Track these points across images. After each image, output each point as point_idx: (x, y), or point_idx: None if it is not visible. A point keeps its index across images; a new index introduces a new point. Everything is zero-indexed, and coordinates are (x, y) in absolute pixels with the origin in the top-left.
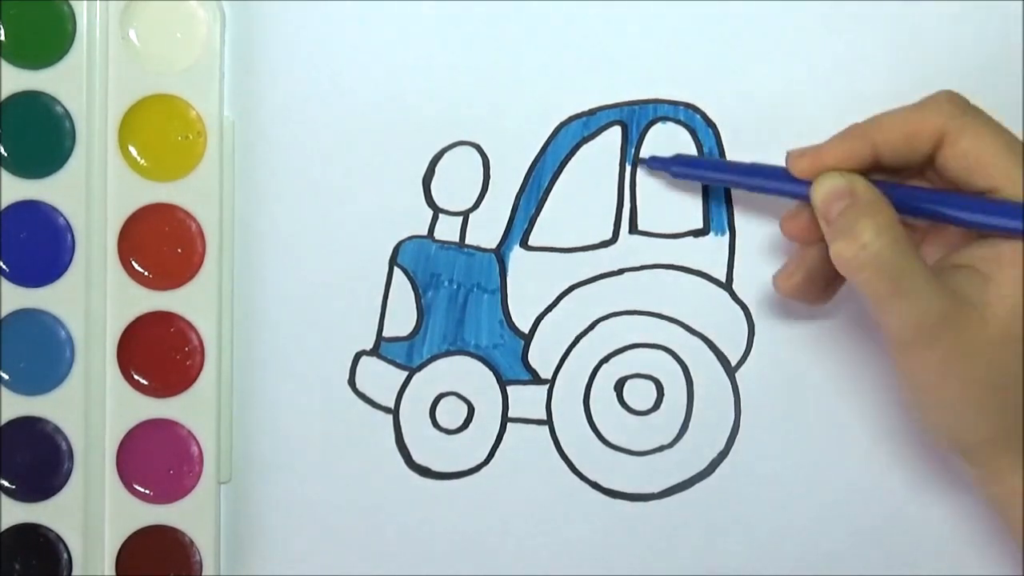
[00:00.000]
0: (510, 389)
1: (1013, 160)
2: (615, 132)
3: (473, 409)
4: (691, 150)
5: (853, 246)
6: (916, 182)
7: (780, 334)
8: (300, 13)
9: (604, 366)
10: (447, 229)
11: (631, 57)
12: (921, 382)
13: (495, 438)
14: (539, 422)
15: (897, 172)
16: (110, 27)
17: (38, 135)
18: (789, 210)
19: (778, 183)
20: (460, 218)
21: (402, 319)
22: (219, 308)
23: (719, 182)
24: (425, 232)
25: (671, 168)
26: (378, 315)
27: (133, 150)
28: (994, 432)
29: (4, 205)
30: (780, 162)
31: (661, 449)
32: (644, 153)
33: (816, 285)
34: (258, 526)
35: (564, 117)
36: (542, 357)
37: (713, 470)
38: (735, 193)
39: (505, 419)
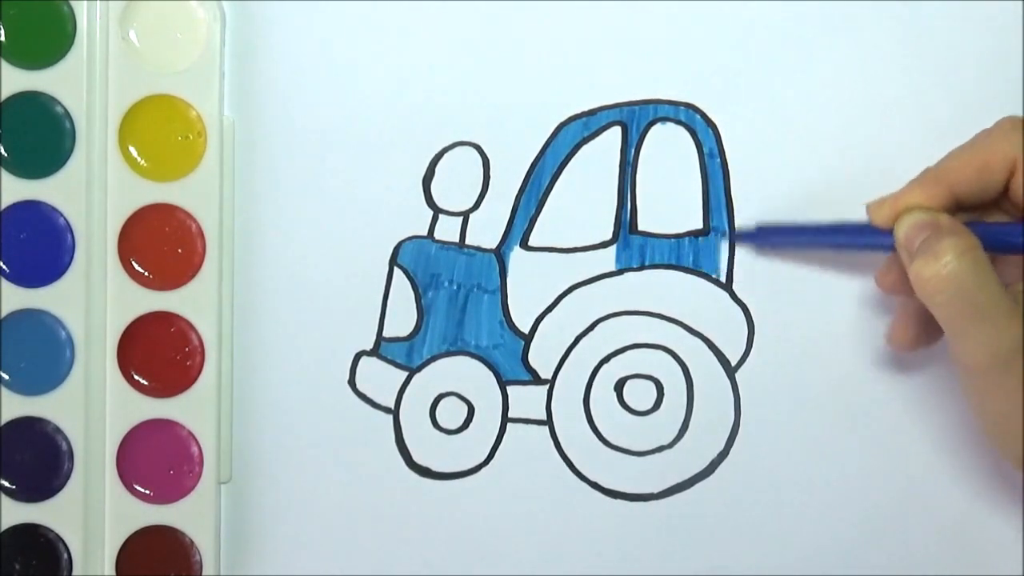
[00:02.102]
0: (510, 389)
1: None
2: (615, 132)
3: (473, 409)
4: (691, 150)
5: (934, 265)
6: (995, 216)
7: (780, 334)
8: (300, 13)
9: (604, 366)
10: (447, 229)
11: (631, 57)
12: (995, 408)
13: (495, 438)
14: (539, 422)
15: (975, 210)
16: (110, 27)
17: (38, 135)
18: (881, 266)
19: (864, 237)
20: (460, 218)
21: (402, 319)
22: (219, 308)
23: (807, 245)
24: (425, 232)
25: (758, 241)
26: (378, 315)
27: (133, 150)
28: None
29: (4, 205)
30: (780, 161)
31: (661, 449)
32: (644, 155)
33: (929, 331)
34: (258, 526)
35: (564, 117)
36: (542, 357)
37: (713, 470)
38: (735, 192)
39: (505, 419)
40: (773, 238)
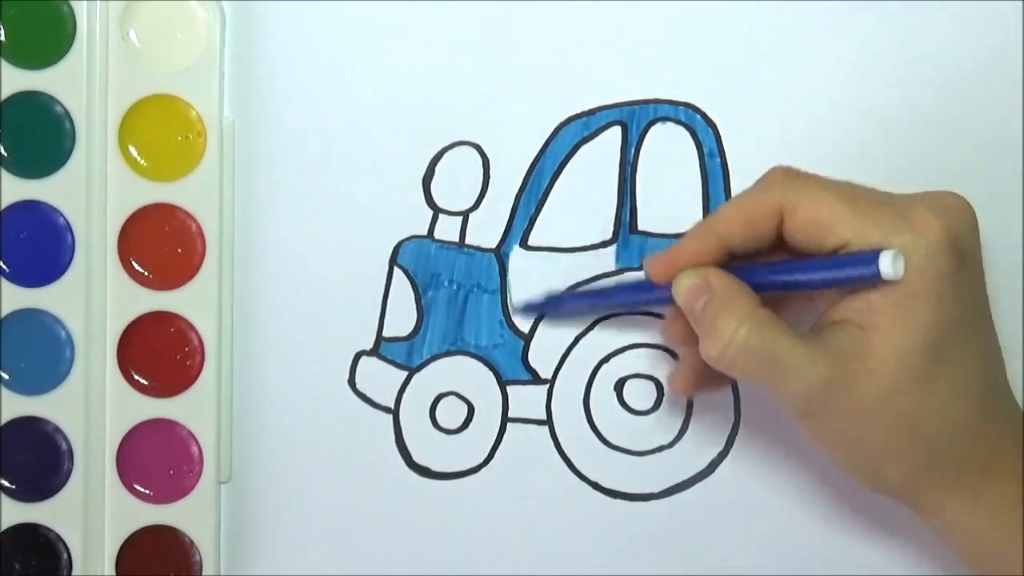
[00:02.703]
0: (510, 389)
1: (851, 211)
2: (615, 132)
3: (473, 409)
4: (691, 150)
5: (718, 344)
6: (779, 256)
7: None
8: (300, 13)
9: (604, 366)
10: (447, 229)
11: (631, 57)
12: (830, 444)
13: (495, 438)
14: (539, 422)
15: (752, 257)
16: (110, 27)
17: (38, 135)
18: (664, 319)
19: (644, 294)
20: (460, 218)
21: (402, 319)
22: (219, 308)
23: (592, 310)
24: (425, 232)
25: (545, 309)
26: (378, 315)
27: (133, 150)
28: (913, 473)
29: (4, 205)
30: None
31: (661, 449)
32: (644, 155)
33: (712, 378)
34: (258, 526)
35: (564, 117)
36: (542, 357)
37: (713, 470)
38: (735, 192)
39: (505, 419)
40: (560, 306)
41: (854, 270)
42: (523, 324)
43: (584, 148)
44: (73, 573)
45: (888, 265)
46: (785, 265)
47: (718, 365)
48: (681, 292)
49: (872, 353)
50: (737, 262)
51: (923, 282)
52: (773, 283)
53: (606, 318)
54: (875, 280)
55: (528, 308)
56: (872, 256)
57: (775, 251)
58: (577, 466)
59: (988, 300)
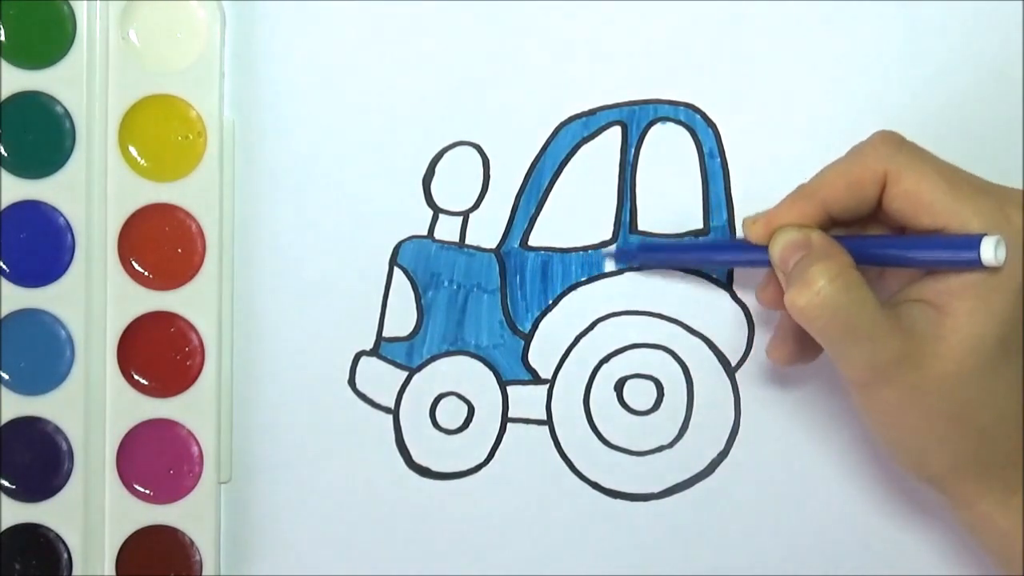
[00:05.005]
0: (510, 389)
1: (954, 195)
2: (615, 132)
3: (473, 409)
4: (691, 150)
5: (806, 293)
6: (873, 228)
7: None
8: (300, 13)
9: (604, 366)
10: (447, 229)
11: (631, 57)
12: (882, 419)
13: (495, 438)
14: (539, 422)
15: (851, 224)
16: (110, 27)
17: (38, 135)
18: (760, 281)
19: (741, 254)
20: (460, 218)
21: (402, 319)
22: (219, 308)
23: (686, 263)
24: (425, 232)
25: (638, 259)
26: (378, 315)
27: (133, 150)
28: (957, 461)
29: (4, 205)
30: (780, 161)
31: (661, 449)
32: (644, 155)
33: (808, 347)
34: (258, 526)
35: (564, 117)
36: (542, 357)
37: (713, 470)
38: (735, 192)
39: (505, 419)
40: (654, 255)
41: (957, 253)
42: (523, 324)
43: (584, 148)
44: (73, 573)
45: (990, 252)
46: (885, 240)
47: (799, 315)
48: (779, 246)
49: (944, 337)
50: (835, 230)
51: (1007, 276)
52: (872, 256)
53: (607, 317)
54: (975, 265)
55: (621, 255)
56: (975, 241)
57: (868, 223)
58: (577, 466)
59: None
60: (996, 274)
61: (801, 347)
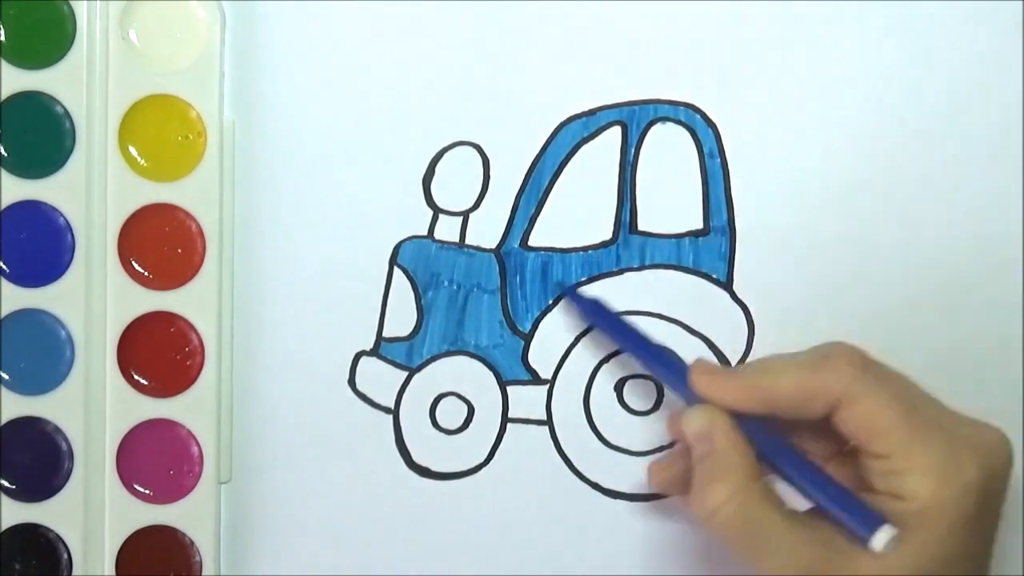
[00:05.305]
0: (510, 389)
1: (909, 430)
2: (615, 132)
3: (473, 409)
4: (691, 150)
5: (705, 509)
6: (806, 436)
7: (780, 334)
8: (300, 13)
9: (604, 366)
10: (447, 229)
11: (631, 57)
12: None
13: (495, 438)
14: (539, 422)
15: (792, 422)
16: (110, 27)
17: (38, 135)
18: (676, 411)
19: (672, 376)
20: (460, 218)
21: (402, 319)
22: (219, 308)
23: (622, 344)
24: (425, 232)
25: (587, 312)
26: (378, 315)
27: (133, 150)
28: None
29: (4, 205)
30: (780, 161)
31: (661, 449)
32: (644, 155)
33: (687, 480)
34: (258, 526)
35: (564, 117)
36: (542, 357)
37: None
38: (735, 192)
39: (505, 419)
40: (599, 318)
41: (855, 524)
42: (523, 324)
43: (584, 148)
44: (73, 573)
45: (881, 542)
46: (799, 464)
47: (704, 522)
48: (687, 428)
49: (858, 559)
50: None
51: (941, 520)
52: (779, 472)
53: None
54: (864, 542)
55: (573, 296)
56: (875, 523)
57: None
58: (577, 466)
59: (995, 537)
60: (929, 513)
61: (683, 482)
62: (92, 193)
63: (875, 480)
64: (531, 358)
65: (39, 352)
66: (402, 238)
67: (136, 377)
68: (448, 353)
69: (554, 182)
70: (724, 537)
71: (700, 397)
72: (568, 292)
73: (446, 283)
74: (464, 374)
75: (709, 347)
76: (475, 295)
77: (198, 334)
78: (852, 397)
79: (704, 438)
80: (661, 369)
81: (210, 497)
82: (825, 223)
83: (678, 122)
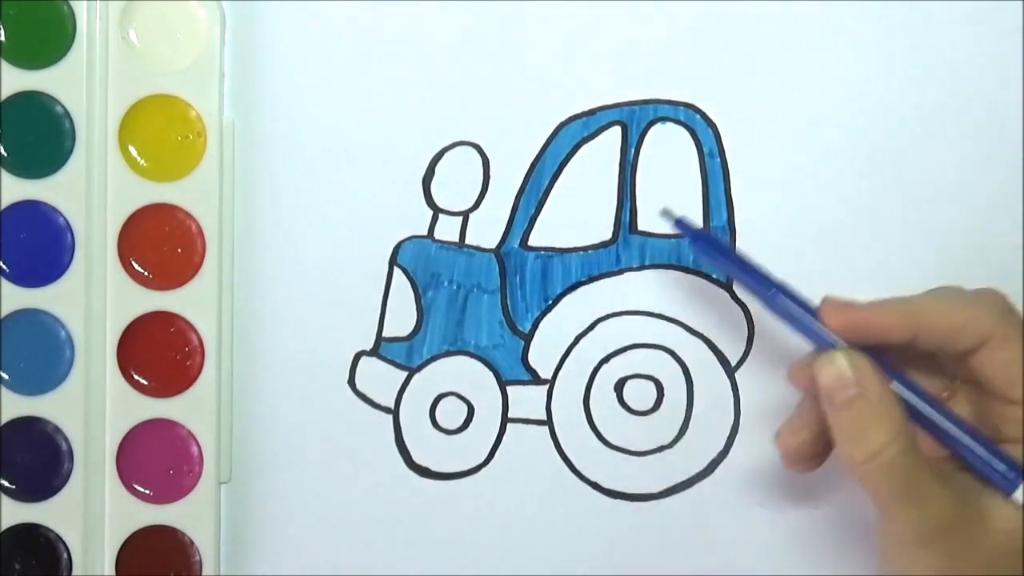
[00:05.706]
0: (510, 389)
1: None
2: (615, 132)
3: (473, 409)
4: (691, 150)
5: (864, 452)
6: (937, 379)
7: (780, 334)
8: (300, 13)
9: (604, 366)
10: (447, 229)
11: (631, 57)
12: (904, 572)
13: (495, 438)
14: (539, 422)
15: (927, 355)
16: (110, 27)
17: (38, 135)
18: (800, 359)
19: (798, 318)
20: (460, 218)
21: (402, 319)
22: (219, 308)
23: (742, 280)
24: (425, 232)
25: (701, 245)
26: (378, 315)
27: (133, 150)
28: None
29: (4, 205)
30: (780, 161)
31: (661, 449)
32: (644, 155)
33: (820, 447)
34: (258, 526)
35: (564, 117)
36: (542, 357)
37: (713, 470)
38: (735, 192)
39: (505, 419)
40: (716, 253)
41: (998, 475)
42: (523, 324)
43: (584, 148)
44: (73, 573)
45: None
46: (939, 409)
47: (854, 471)
48: (828, 377)
49: (992, 510)
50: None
51: None
52: (920, 419)
53: (607, 317)
54: (1007, 492)
55: (682, 225)
56: (1018, 474)
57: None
58: (577, 466)
59: None
60: None
61: (815, 446)
62: (92, 193)
63: (1007, 427)
64: (531, 358)
65: (39, 352)
66: (402, 238)
67: (136, 377)
68: (448, 353)
69: (554, 182)
70: (879, 484)
71: (828, 339)
72: (680, 224)
73: (446, 283)
74: (464, 374)
75: (709, 347)
76: (475, 295)
77: (198, 334)
78: (1004, 337)
79: (848, 382)
80: (779, 305)
81: (210, 497)
82: (825, 223)
83: (678, 122)
